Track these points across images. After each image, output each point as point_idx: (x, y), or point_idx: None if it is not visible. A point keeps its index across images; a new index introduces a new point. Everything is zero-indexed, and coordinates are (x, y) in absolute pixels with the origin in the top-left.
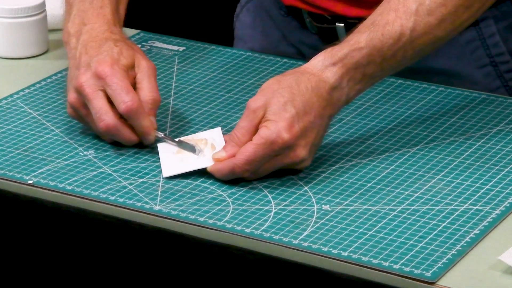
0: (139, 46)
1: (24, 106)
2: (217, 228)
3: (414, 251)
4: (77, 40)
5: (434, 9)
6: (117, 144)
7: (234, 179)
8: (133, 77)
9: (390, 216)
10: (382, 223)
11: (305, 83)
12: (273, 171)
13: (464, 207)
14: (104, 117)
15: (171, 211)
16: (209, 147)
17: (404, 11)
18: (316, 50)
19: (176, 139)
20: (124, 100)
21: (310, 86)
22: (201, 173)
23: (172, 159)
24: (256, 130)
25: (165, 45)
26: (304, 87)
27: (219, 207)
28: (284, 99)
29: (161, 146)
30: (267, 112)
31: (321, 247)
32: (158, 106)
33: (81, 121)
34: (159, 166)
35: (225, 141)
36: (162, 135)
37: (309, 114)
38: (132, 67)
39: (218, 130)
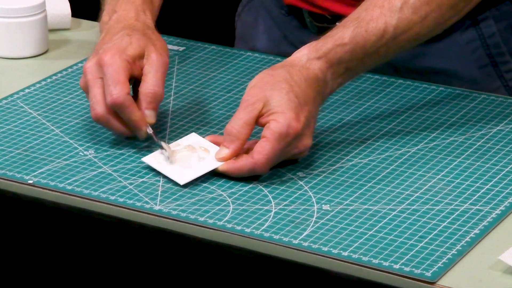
0: None
1: (24, 106)
2: (217, 228)
3: (414, 251)
4: (106, 27)
5: (418, 8)
6: (117, 144)
7: (234, 178)
8: (140, 68)
9: (390, 216)
10: (382, 223)
11: (298, 75)
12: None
13: (464, 207)
14: (95, 106)
15: (171, 211)
16: (202, 151)
17: (389, 8)
18: None
19: (161, 142)
20: (111, 92)
21: (302, 77)
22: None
23: (176, 167)
24: (254, 122)
25: None
26: (298, 79)
27: (219, 207)
28: (285, 91)
29: (148, 159)
30: (270, 105)
31: (321, 247)
32: (159, 101)
33: None
34: None
35: (217, 140)
36: (151, 132)
37: (308, 104)
38: (141, 58)
39: (194, 135)
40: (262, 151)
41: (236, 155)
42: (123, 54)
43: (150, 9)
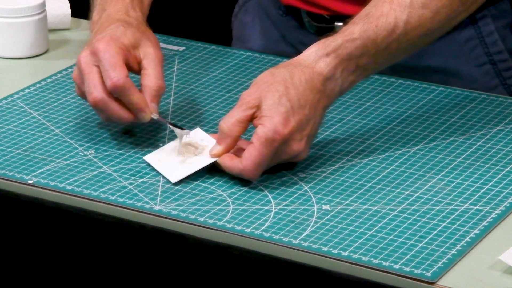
0: None
1: (24, 106)
2: (217, 228)
3: (414, 251)
4: (97, 25)
5: (429, 2)
6: (117, 144)
7: (234, 178)
8: (136, 58)
9: (390, 216)
10: (382, 223)
11: (299, 75)
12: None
13: (464, 207)
14: (93, 90)
15: (171, 211)
16: (201, 147)
17: (399, 3)
18: None
19: (168, 121)
20: (111, 76)
21: (303, 78)
22: (201, 172)
23: (172, 164)
24: (248, 120)
25: (165, 45)
26: (298, 80)
27: (219, 207)
28: (278, 94)
29: (148, 158)
30: (262, 107)
31: (321, 247)
32: (162, 94)
33: (85, 98)
34: None
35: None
36: (158, 117)
37: (304, 107)
38: (136, 48)
39: (199, 130)
40: (249, 157)
41: (229, 151)
42: (117, 41)
43: (139, 7)
